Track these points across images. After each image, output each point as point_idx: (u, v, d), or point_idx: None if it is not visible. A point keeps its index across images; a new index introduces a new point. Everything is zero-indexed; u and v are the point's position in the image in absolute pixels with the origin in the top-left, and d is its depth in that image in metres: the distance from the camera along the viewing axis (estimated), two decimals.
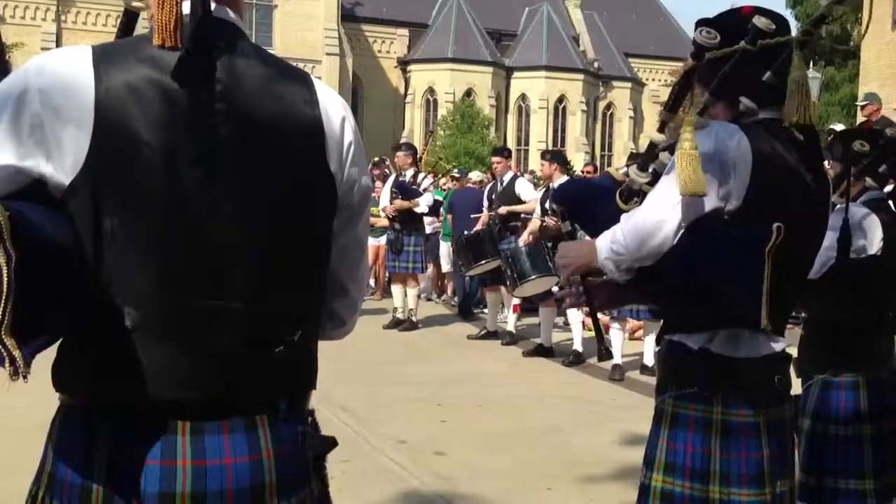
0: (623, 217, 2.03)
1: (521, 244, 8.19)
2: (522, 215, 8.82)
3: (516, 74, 47.50)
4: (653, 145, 2.15)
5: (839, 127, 9.04)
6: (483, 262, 8.40)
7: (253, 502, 1.31)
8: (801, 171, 2.01)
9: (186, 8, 1.27)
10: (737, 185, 1.93)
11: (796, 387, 2.37)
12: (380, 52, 47.76)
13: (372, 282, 11.79)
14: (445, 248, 11.27)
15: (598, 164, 28.50)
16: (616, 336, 7.27)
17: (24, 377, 1.06)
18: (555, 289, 7.41)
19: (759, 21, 1.92)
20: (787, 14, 33.88)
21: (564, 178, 8.14)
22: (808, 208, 2.04)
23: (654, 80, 51.61)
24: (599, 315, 2.57)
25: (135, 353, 1.25)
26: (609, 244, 2.02)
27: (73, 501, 1.28)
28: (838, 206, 2.72)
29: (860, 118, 10.27)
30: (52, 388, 1.34)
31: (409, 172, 9.46)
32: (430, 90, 46.07)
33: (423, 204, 9.16)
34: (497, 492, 4.36)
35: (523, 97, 47.63)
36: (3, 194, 1.19)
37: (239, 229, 1.31)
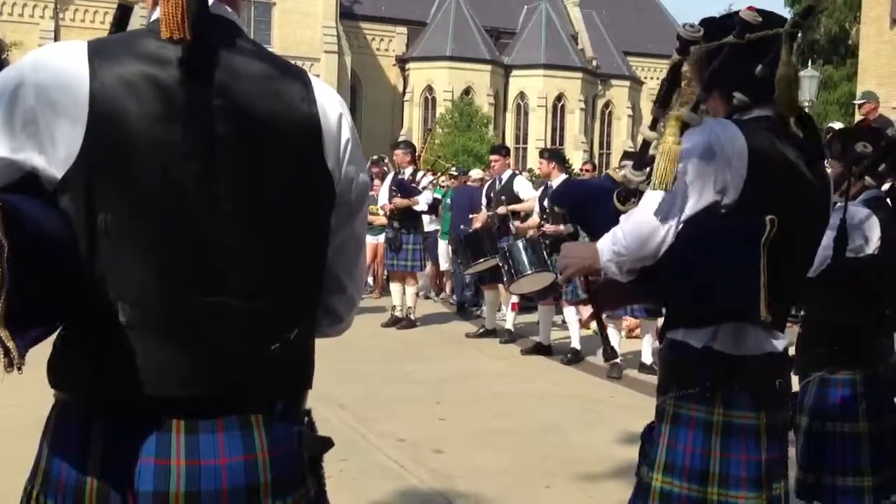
0: (622, 218, 2.03)
1: (518, 226, 8.23)
2: (522, 214, 8.83)
3: (515, 73, 47.47)
4: (646, 144, 2.15)
5: (837, 125, 9.04)
6: (481, 260, 8.39)
7: (247, 502, 1.31)
8: (800, 164, 2.01)
9: None
10: (734, 178, 1.92)
11: (793, 384, 2.37)
12: (378, 50, 47.75)
13: (370, 280, 11.78)
14: (444, 247, 11.26)
15: (596, 162, 28.49)
16: (612, 335, 7.26)
17: (19, 368, 1.06)
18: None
19: (746, 14, 1.92)
20: (787, 14, 33.76)
21: (563, 177, 8.15)
22: (808, 201, 2.03)
23: (652, 78, 51.43)
24: None
25: (132, 350, 1.25)
26: (610, 245, 2.02)
27: (68, 499, 1.27)
28: (838, 205, 2.73)
29: (858, 117, 10.28)
30: (50, 388, 1.33)
31: (408, 170, 9.44)
32: (429, 88, 46.05)
33: (422, 202, 9.15)
34: (496, 490, 4.36)
35: (522, 95, 47.61)
36: None
37: (238, 226, 1.30)
